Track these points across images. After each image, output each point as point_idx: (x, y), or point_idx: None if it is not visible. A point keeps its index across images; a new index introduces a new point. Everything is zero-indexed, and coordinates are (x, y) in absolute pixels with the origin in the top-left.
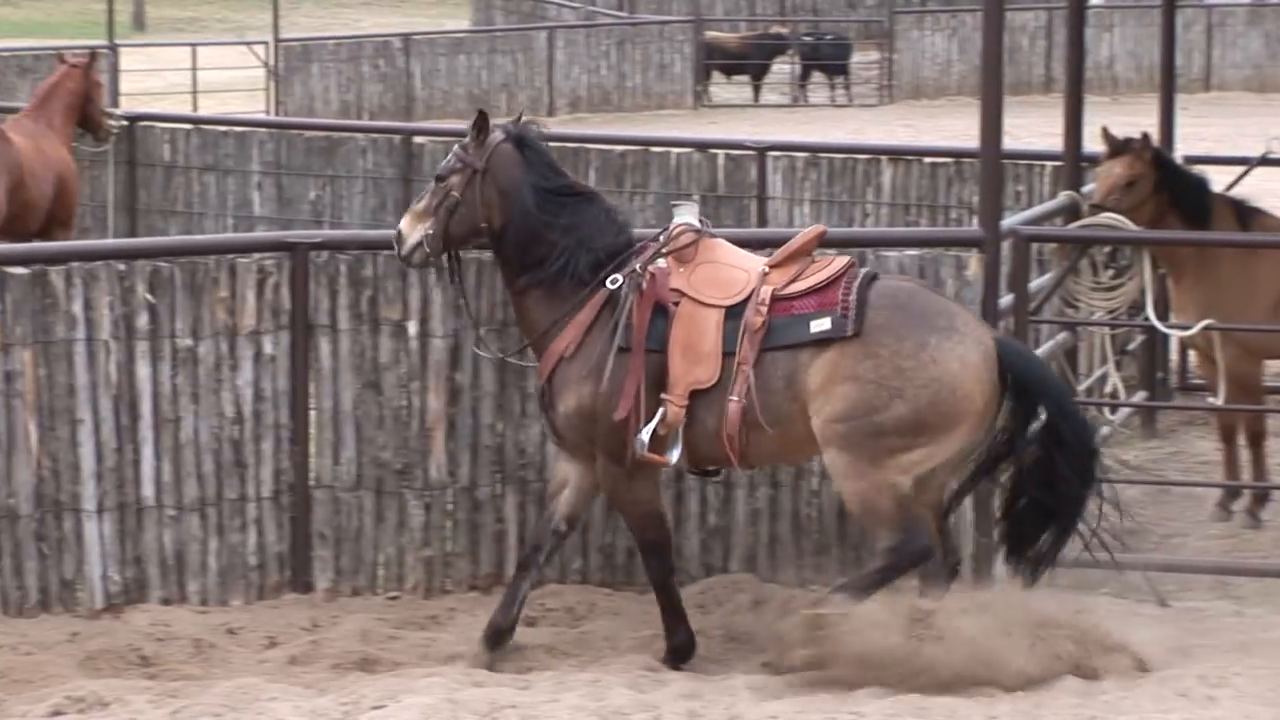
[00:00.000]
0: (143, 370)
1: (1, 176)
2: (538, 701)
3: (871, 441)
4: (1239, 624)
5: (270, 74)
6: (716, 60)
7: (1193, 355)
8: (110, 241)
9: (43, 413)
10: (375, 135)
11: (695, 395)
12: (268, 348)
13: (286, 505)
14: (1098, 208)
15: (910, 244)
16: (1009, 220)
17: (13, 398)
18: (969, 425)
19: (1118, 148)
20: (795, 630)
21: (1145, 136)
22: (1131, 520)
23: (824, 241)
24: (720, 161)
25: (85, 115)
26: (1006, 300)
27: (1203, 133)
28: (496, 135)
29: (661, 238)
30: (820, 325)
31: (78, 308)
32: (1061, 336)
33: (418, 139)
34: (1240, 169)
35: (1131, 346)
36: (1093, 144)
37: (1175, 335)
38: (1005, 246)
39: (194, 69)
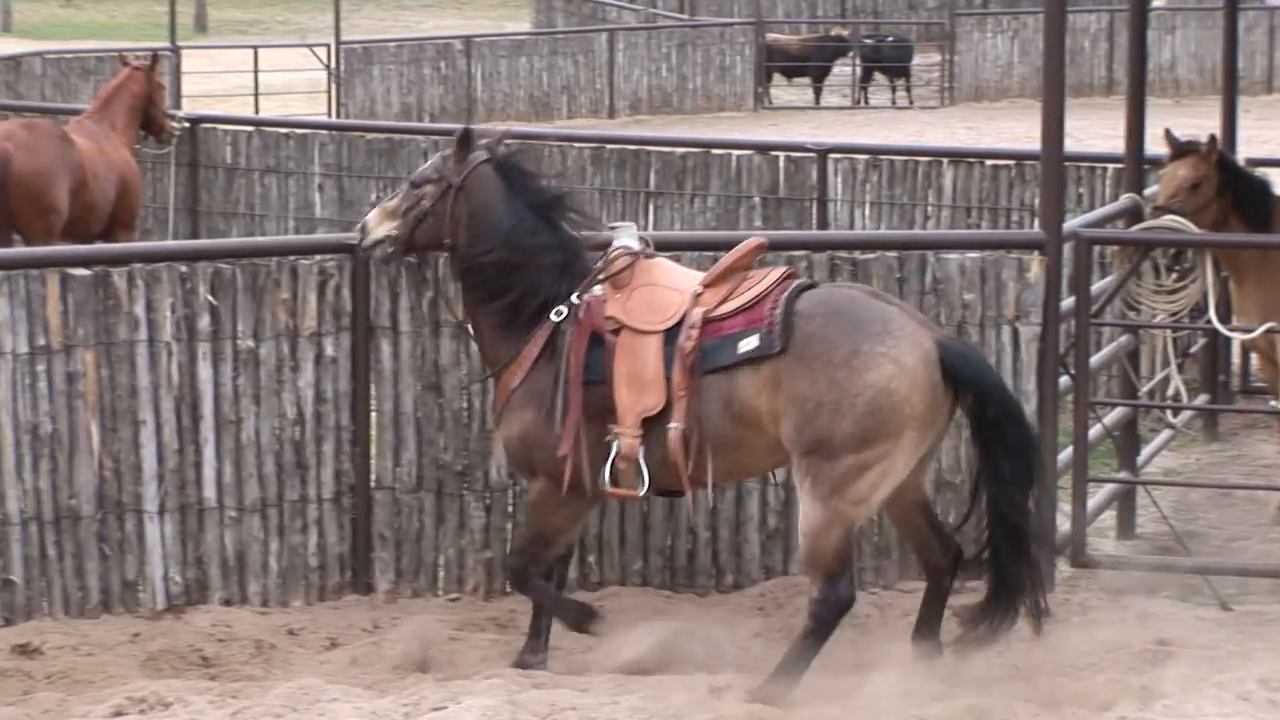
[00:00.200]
0: (204, 372)
1: (64, 178)
2: (598, 704)
3: (829, 465)
4: None
5: (332, 76)
6: (777, 62)
7: (1255, 358)
8: (172, 243)
9: (105, 414)
10: (436, 137)
11: (647, 422)
12: (329, 349)
13: (347, 507)
14: (1161, 210)
15: (971, 246)
16: (1071, 223)
17: (75, 399)
18: (915, 431)
19: (1181, 150)
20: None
21: (1213, 139)
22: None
23: (885, 244)
24: (781, 164)
25: (148, 117)
26: (1068, 303)
27: (1265, 135)
28: (479, 155)
29: (599, 264)
30: (748, 344)
31: (140, 309)
32: (1123, 339)
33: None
34: None
35: (1193, 349)
36: (1154, 146)
37: (1237, 338)
38: (1067, 249)
39: (256, 71)
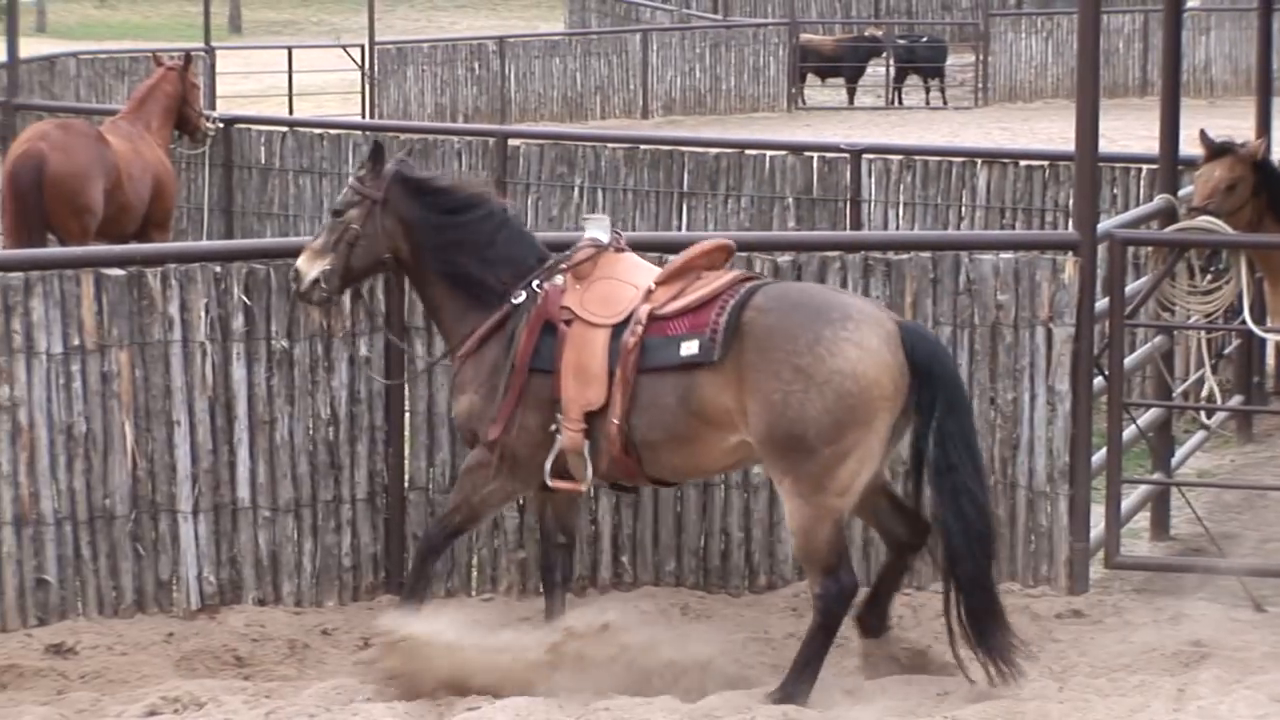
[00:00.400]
0: (238, 372)
1: (99, 179)
2: (632, 703)
3: (808, 461)
4: None
5: (365, 77)
6: (811, 63)
7: None
8: (206, 243)
9: (139, 414)
10: (470, 138)
11: (592, 416)
12: (363, 350)
13: (381, 507)
14: (1197, 211)
15: (1005, 247)
16: (1105, 223)
17: (109, 399)
18: (885, 413)
19: (1217, 150)
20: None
21: (1263, 140)
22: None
23: (919, 245)
24: (814, 164)
25: (182, 117)
26: (1102, 304)
27: None
28: (391, 166)
29: (564, 254)
30: (689, 348)
31: (174, 309)
32: (1158, 340)
33: (512, 141)
34: None
35: (1228, 350)
36: (1189, 147)
37: (1272, 339)
38: (1101, 250)
39: (290, 72)
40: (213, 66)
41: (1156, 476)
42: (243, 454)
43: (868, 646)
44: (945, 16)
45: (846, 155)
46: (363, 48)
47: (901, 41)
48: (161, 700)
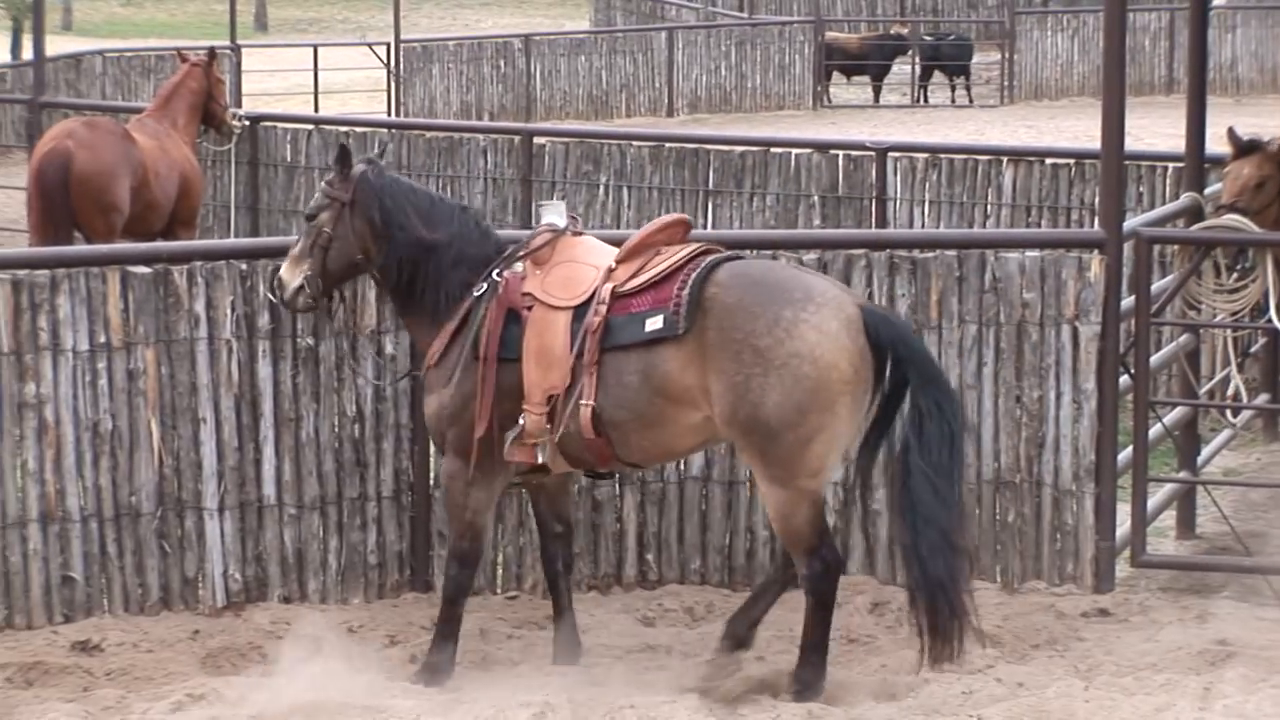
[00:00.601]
0: (264, 369)
1: (126, 176)
2: (656, 702)
3: (773, 446)
4: None
5: (391, 75)
6: (836, 61)
7: None
8: (232, 241)
9: (165, 411)
10: (495, 136)
11: (557, 400)
12: (388, 347)
13: (406, 504)
14: (1226, 207)
15: (1031, 245)
16: (1131, 222)
17: (135, 396)
18: (849, 396)
19: (1245, 148)
20: None
21: None
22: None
23: (944, 243)
24: (840, 162)
25: (208, 113)
26: (1128, 302)
27: None
28: (359, 167)
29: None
30: (653, 324)
31: (200, 307)
32: (1184, 338)
33: (538, 140)
34: None
35: (1254, 349)
36: (1215, 145)
37: None
38: (1127, 248)
39: (315, 69)
40: (238, 64)
41: (1182, 475)
42: (268, 451)
43: (719, 655)
44: (971, 14)
45: (872, 153)
46: (388, 46)
47: (927, 39)
48: (187, 697)
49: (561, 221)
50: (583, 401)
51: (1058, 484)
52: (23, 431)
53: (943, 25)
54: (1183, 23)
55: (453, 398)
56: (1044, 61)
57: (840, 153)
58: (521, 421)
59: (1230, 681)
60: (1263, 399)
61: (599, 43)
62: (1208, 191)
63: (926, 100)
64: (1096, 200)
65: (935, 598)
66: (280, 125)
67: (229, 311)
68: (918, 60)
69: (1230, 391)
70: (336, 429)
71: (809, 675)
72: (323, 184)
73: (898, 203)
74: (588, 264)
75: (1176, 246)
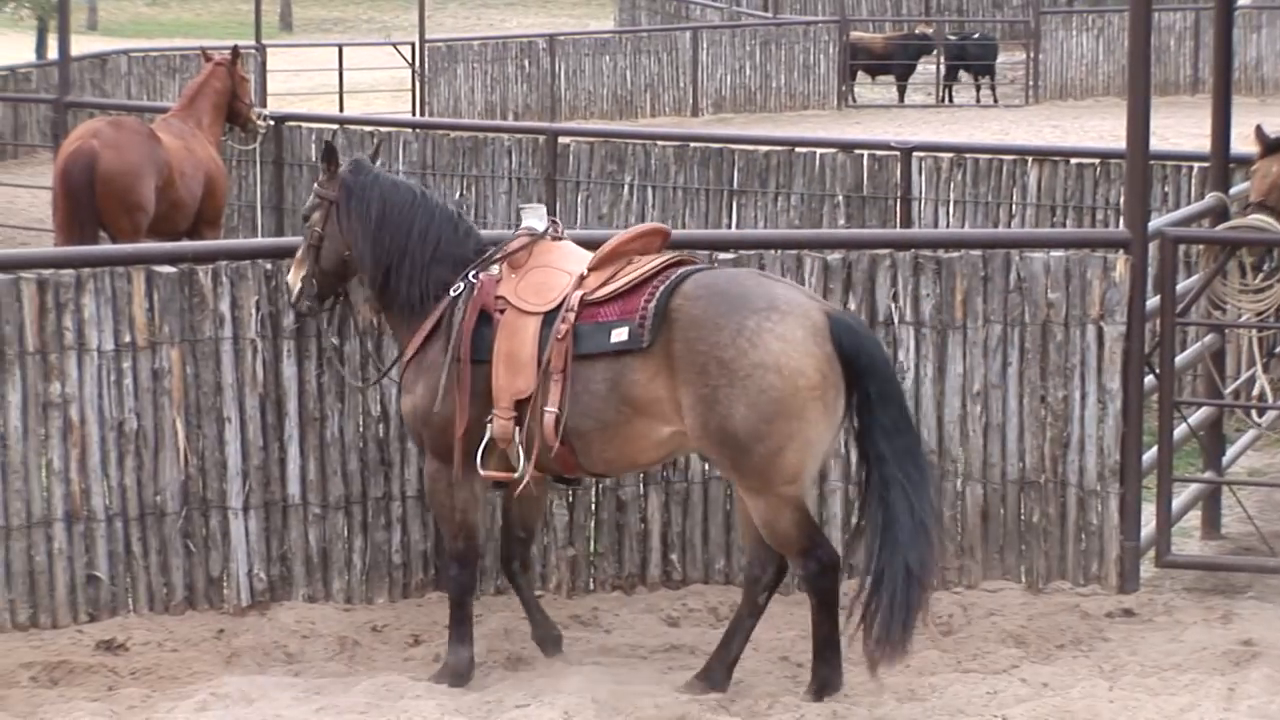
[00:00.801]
0: (289, 369)
1: (151, 176)
2: (678, 700)
3: (745, 458)
4: None
5: (416, 74)
6: (861, 60)
7: None
8: (257, 240)
9: (190, 410)
10: (520, 135)
11: (523, 405)
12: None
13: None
14: (1256, 205)
15: (1056, 245)
16: (1156, 221)
17: (160, 395)
18: (819, 402)
19: (1273, 146)
20: None
21: None
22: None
23: (969, 243)
24: (865, 162)
25: (232, 111)
26: (1153, 302)
27: None
28: (344, 166)
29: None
30: (619, 335)
31: (225, 306)
32: (1209, 339)
33: (562, 139)
34: None
35: (1279, 349)
36: (1240, 145)
37: None
38: (1152, 248)
39: (340, 69)
40: (264, 64)
41: (1207, 475)
42: (293, 451)
43: (690, 687)
44: (996, 14)
45: (897, 153)
46: (413, 45)
47: (952, 39)
48: (212, 696)
49: (541, 225)
50: (547, 408)
51: (1082, 484)
52: (48, 431)
53: (968, 25)
54: (1208, 22)
55: (424, 397)
56: (1069, 61)
57: (865, 152)
58: (489, 427)
59: (1255, 682)
60: None
61: (623, 42)
62: (1233, 191)
63: (951, 100)
64: (1121, 200)
65: (896, 594)
66: (305, 125)
67: (254, 311)
68: (943, 60)
69: (1255, 392)
70: (361, 428)
71: (826, 673)
72: (315, 184)
73: (922, 202)
74: (562, 269)
75: (1202, 246)
